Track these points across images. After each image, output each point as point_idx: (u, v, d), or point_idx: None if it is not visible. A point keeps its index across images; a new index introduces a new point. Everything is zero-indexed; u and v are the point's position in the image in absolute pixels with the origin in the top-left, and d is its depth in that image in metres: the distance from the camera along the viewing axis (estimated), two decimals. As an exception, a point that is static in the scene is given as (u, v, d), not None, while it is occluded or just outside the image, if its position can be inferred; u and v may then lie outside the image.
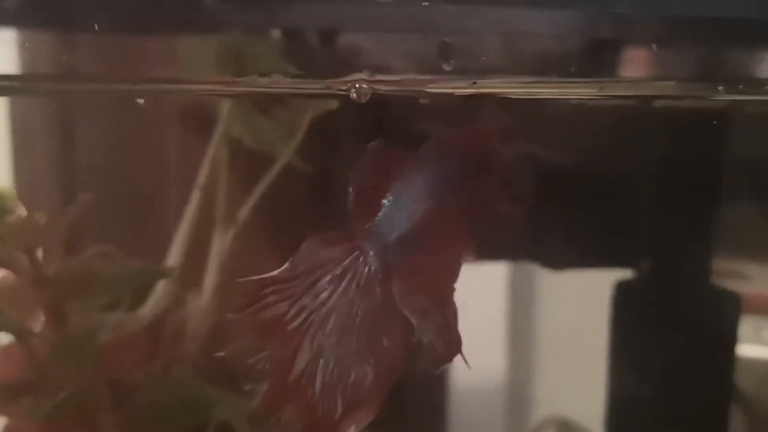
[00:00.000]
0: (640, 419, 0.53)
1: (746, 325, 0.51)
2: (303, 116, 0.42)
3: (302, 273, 0.26)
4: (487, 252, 0.27)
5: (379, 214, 0.27)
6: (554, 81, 0.27)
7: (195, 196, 0.44)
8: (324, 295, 0.26)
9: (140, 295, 0.41)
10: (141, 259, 0.41)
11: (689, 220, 0.51)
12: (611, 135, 0.47)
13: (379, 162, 0.27)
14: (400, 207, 0.27)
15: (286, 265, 0.26)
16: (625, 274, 0.53)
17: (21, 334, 0.33)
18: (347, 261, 0.26)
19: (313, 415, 0.26)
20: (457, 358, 0.27)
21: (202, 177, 0.44)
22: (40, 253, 0.32)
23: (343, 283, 0.26)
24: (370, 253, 0.26)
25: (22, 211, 0.32)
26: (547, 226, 0.49)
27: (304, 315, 0.26)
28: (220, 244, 0.43)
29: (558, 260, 0.52)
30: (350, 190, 0.27)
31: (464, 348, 0.28)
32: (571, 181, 0.48)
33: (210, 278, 0.43)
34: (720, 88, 0.26)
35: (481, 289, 0.62)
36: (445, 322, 0.26)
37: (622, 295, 0.53)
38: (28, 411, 0.31)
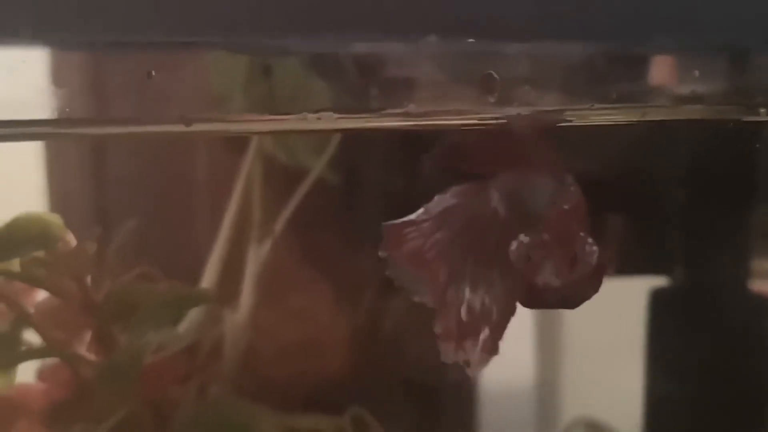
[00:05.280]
0: (669, 423, 0.53)
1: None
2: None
3: (434, 216, 0.28)
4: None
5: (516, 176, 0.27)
6: (597, 108, 0.27)
7: (230, 213, 0.44)
8: (454, 232, 0.28)
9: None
10: (178, 276, 0.41)
11: (720, 225, 0.51)
12: (640, 141, 0.47)
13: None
14: (538, 186, 0.27)
15: (420, 210, 0.28)
16: (657, 280, 0.53)
17: (68, 358, 0.33)
18: (474, 202, 0.28)
19: (459, 337, 0.28)
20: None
21: (237, 193, 0.44)
22: (88, 280, 0.33)
23: (469, 220, 0.28)
24: (496, 196, 0.27)
25: (70, 239, 0.32)
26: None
27: (438, 247, 0.28)
28: (255, 260, 0.44)
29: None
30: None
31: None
32: (600, 189, 0.48)
33: (247, 294, 0.43)
34: (762, 110, 0.26)
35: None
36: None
37: (653, 298, 0.53)
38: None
